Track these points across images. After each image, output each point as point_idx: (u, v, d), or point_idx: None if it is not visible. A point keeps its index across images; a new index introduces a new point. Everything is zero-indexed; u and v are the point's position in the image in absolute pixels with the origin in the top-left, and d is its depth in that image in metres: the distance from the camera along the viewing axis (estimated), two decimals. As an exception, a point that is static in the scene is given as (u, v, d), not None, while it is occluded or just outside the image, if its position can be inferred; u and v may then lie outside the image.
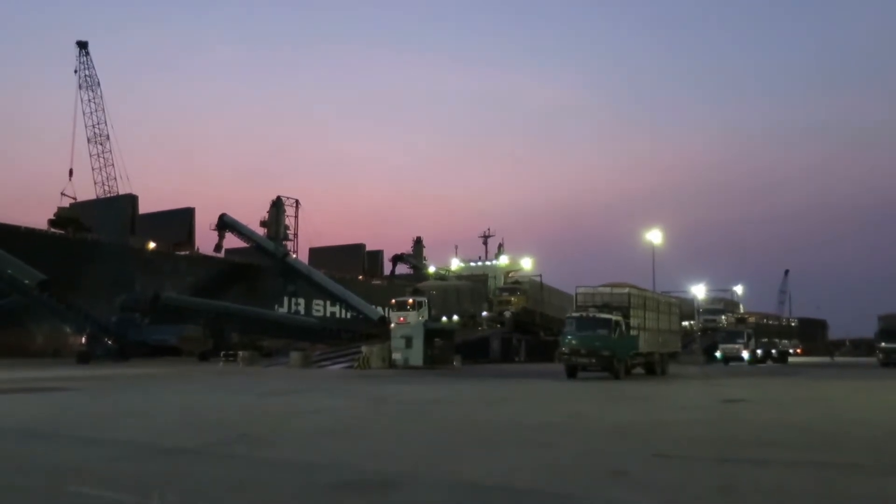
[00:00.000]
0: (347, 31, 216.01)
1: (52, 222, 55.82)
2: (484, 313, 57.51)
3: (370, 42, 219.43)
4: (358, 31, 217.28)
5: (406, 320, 39.34)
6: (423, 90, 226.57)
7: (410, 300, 40.99)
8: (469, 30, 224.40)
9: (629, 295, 30.10)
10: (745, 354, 50.67)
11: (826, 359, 69.32)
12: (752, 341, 52.21)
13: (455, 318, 54.56)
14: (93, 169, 53.96)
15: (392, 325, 40.72)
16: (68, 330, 48.87)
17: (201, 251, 66.84)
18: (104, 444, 9.75)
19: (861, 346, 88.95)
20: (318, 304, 71.60)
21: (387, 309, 72.09)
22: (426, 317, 40.35)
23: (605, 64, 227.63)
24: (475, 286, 63.03)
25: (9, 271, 43.94)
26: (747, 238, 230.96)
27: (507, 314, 53.92)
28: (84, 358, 41.32)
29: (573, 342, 27.31)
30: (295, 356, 39.45)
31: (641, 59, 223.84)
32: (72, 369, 32.72)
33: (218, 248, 66.90)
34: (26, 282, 44.19)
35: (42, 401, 16.99)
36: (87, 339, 44.93)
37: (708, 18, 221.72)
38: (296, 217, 76.00)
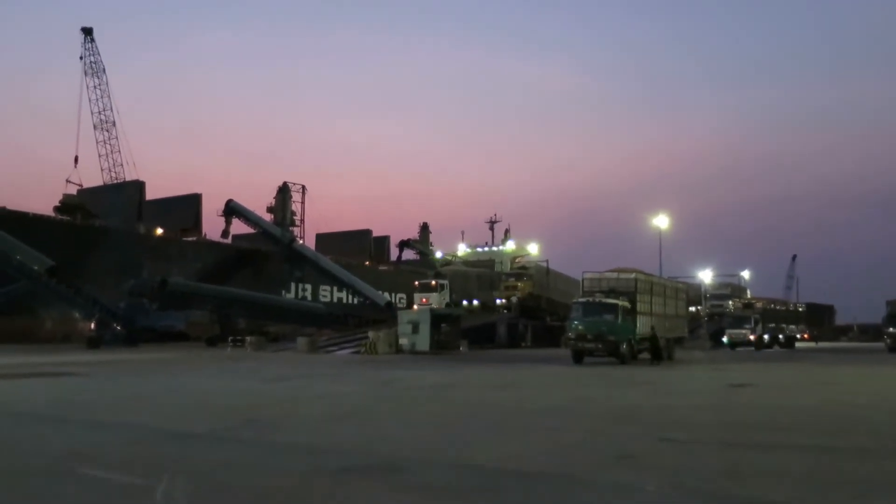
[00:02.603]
0: (355, 15, 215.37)
1: (57, 209, 55.98)
2: (499, 301, 57.95)
3: (377, 26, 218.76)
4: (366, 14, 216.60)
5: (429, 301, 39.69)
6: (431, 75, 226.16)
7: (434, 282, 41.37)
8: (478, 14, 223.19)
9: (636, 280, 30.09)
10: (752, 339, 50.64)
11: (812, 344, 68.68)
12: (759, 326, 52.15)
13: (475, 302, 55.07)
14: (99, 155, 54.11)
15: (415, 306, 41.16)
16: (77, 315, 49.15)
17: (208, 237, 66.97)
18: (114, 428, 9.85)
19: (869, 332, 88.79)
20: (324, 290, 71.72)
21: (393, 294, 72.73)
22: (448, 299, 40.76)
23: (612, 48, 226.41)
24: (494, 273, 63.73)
25: (17, 257, 44.14)
26: (755, 223, 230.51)
27: (514, 299, 54.01)
28: (93, 343, 41.65)
29: (579, 327, 27.33)
30: (302, 341, 39.64)
31: (649, 44, 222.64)
32: (81, 354, 32.96)
33: (225, 233, 67.01)
34: (35, 268, 44.39)
35: (53, 386, 17.14)
36: (95, 325, 45.19)
37: (714, 1, 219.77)
38: (302, 203, 75.87)
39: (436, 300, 39.71)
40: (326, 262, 68.36)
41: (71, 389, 16.16)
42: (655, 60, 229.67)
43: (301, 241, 71.77)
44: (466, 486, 6.35)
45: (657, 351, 29.61)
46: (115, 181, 54.59)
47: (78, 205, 56.38)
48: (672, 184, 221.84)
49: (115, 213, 54.74)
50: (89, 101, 54.00)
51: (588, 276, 31.58)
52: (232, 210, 66.00)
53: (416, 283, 43.39)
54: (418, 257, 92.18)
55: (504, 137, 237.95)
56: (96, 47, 54.30)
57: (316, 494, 6.03)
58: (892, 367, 27.86)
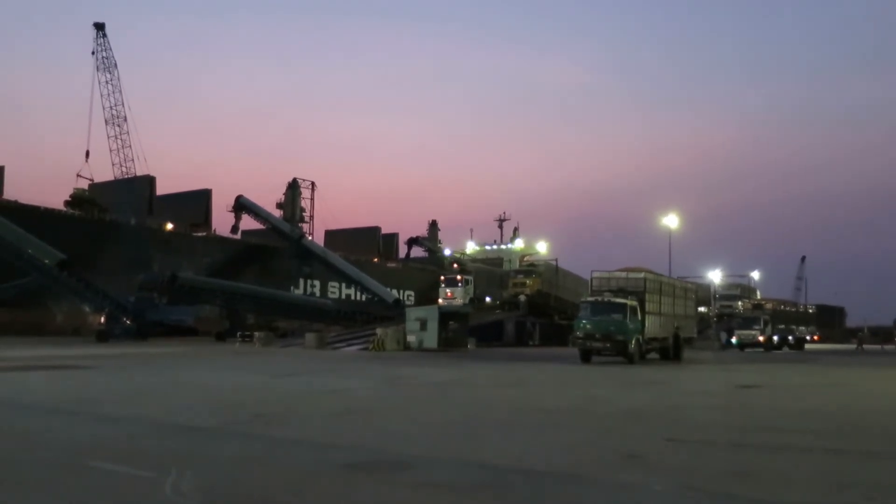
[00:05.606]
0: (365, 10, 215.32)
1: (68, 203, 56.25)
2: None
3: (387, 20, 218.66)
4: (376, 9, 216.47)
5: (453, 295, 40.11)
6: (441, 70, 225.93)
7: (459, 276, 41.81)
8: (493, 6, 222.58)
9: (645, 280, 29.98)
10: (762, 340, 50.42)
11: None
12: (769, 328, 51.89)
13: (497, 301, 55.40)
14: (110, 150, 54.22)
15: (440, 299, 41.59)
16: (87, 309, 49.47)
17: (218, 232, 67.32)
18: (123, 421, 9.89)
19: (880, 334, 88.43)
20: (333, 286, 71.88)
21: (402, 291, 72.81)
22: (471, 294, 41.21)
23: (634, 43, 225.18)
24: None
25: (29, 251, 44.47)
26: (765, 224, 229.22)
27: (522, 297, 53.95)
28: (103, 337, 41.91)
29: (588, 326, 27.26)
30: (310, 337, 39.74)
31: (674, 38, 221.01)
32: (91, 348, 33.15)
33: (234, 229, 67.35)
34: (46, 261, 44.71)
35: (62, 378, 17.23)
36: (105, 319, 45.48)
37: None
38: (312, 199, 76.14)
39: (460, 294, 40.37)
40: (335, 258, 68.52)
41: (80, 382, 16.24)
42: (682, 56, 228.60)
43: (310, 238, 72.00)
44: (473, 483, 6.34)
45: (677, 350, 31.01)
46: (126, 176, 54.76)
47: (89, 199, 56.67)
48: (693, 183, 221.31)
49: (126, 207, 55.01)
50: (101, 96, 54.18)
51: (597, 275, 31.50)
52: (242, 206, 66.30)
53: (442, 277, 44.19)
54: (427, 255, 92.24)
55: (515, 135, 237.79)
56: (108, 42, 54.48)
57: (322, 490, 6.04)
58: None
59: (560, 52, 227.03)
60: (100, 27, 54.41)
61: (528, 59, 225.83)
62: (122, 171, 54.48)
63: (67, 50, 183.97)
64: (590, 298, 29.23)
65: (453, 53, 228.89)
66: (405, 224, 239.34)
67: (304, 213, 74.47)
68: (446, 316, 38.77)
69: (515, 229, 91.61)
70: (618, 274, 31.18)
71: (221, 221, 67.87)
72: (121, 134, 54.22)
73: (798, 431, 9.83)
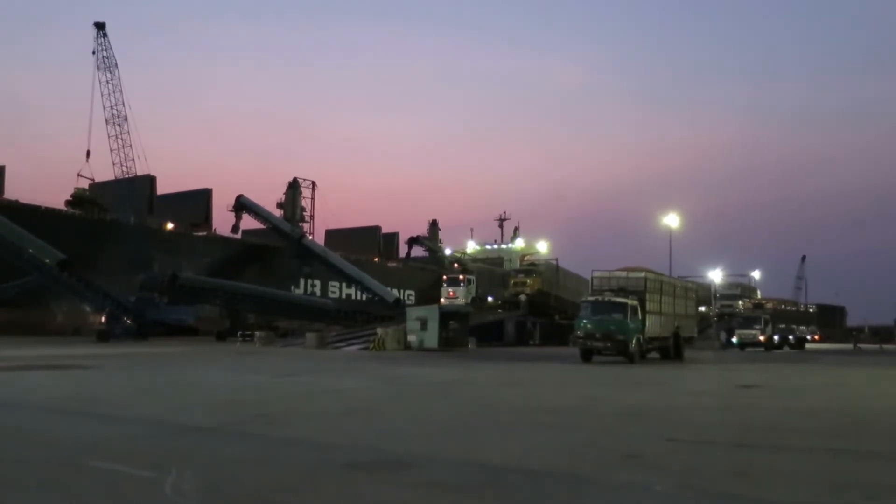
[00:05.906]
0: (367, 10, 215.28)
1: (69, 203, 56.25)
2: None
3: (389, 21, 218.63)
4: (376, 9, 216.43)
5: (455, 295, 40.16)
6: (441, 70, 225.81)
7: (462, 276, 41.88)
8: (492, 6, 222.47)
9: (645, 279, 29.98)
10: (762, 340, 50.41)
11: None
12: (769, 327, 51.86)
13: (499, 300, 55.53)
14: (111, 150, 54.27)
15: (442, 299, 41.64)
16: (88, 309, 49.42)
17: (218, 232, 67.26)
18: (123, 421, 9.89)
19: (880, 333, 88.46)
20: (333, 286, 71.81)
21: (402, 291, 72.80)
22: (473, 293, 41.21)
23: (634, 44, 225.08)
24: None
25: (29, 250, 44.45)
26: (770, 223, 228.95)
27: (523, 297, 53.89)
28: (103, 336, 41.86)
29: (588, 326, 27.26)
30: (311, 337, 39.71)
31: (673, 39, 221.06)
32: (91, 347, 33.11)
33: (235, 229, 67.27)
34: (46, 261, 44.69)
35: (63, 378, 17.23)
36: (106, 318, 45.43)
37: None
38: (312, 199, 76.07)
39: (462, 294, 40.52)
40: (335, 257, 68.45)
41: (80, 382, 16.24)
42: (681, 56, 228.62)
43: (311, 237, 71.92)
44: (474, 482, 6.33)
45: (678, 350, 31.23)
46: (127, 175, 54.82)
47: (89, 199, 56.67)
48: (692, 182, 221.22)
49: (127, 207, 55.02)
50: (101, 95, 54.22)
51: (597, 274, 31.50)
52: (242, 205, 66.25)
53: (445, 277, 44.28)
54: (427, 254, 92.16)
55: (515, 135, 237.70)
56: (109, 42, 54.51)
57: (323, 490, 6.03)
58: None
59: (560, 52, 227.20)
60: (100, 27, 54.43)
61: (528, 59, 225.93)
62: (122, 171, 54.54)
63: (67, 50, 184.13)
64: (590, 298, 29.23)
65: (453, 53, 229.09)
66: (405, 224, 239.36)
67: (304, 213, 74.40)
68: (447, 315, 38.74)
69: (516, 229, 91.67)
70: (618, 273, 31.19)
71: (222, 221, 67.87)
72: (121, 133, 54.28)
73: (798, 431, 9.82)
